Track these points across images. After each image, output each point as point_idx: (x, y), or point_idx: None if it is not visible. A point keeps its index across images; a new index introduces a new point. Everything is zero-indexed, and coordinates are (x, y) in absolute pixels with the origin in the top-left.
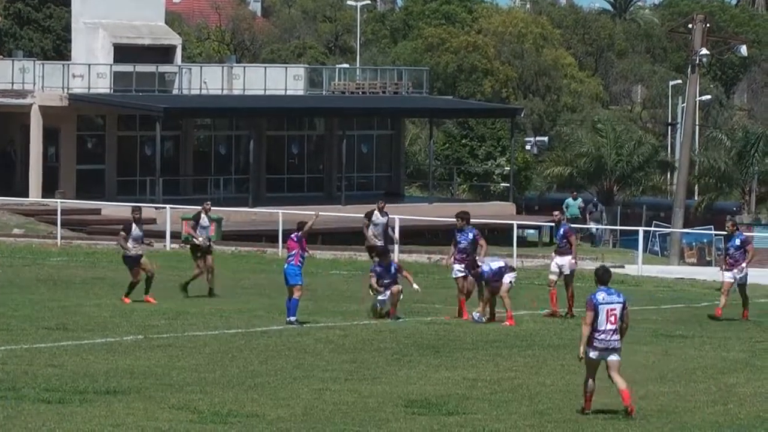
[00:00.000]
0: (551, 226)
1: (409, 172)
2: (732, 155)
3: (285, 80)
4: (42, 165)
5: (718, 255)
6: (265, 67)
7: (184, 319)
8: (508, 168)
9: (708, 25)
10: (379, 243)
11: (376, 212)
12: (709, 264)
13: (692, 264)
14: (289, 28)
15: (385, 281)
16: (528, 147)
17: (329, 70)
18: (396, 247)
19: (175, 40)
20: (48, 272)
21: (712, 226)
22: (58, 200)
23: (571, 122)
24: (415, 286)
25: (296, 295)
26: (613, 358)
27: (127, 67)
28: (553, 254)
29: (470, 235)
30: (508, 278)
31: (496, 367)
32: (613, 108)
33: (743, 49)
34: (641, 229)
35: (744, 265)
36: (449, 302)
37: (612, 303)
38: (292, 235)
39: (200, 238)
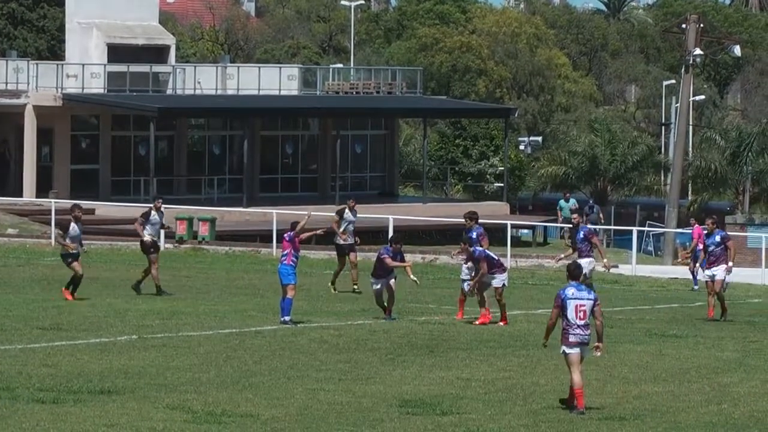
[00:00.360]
0: (545, 227)
1: (403, 172)
2: (726, 155)
3: (279, 80)
4: (36, 165)
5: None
6: (259, 67)
7: (178, 319)
8: (502, 168)
9: (702, 25)
10: (349, 242)
11: (347, 211)
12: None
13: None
14: (282, 28)
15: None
16: (522, 147)
17: (323, 70)
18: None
19: (168, 40)
20: (42, 272)
21: (707, 227)
22: (52, 200)
23: (565, 122)
24: (413, 277)
25: (289, 294)
26: (583, 353)
27: (121, 67)
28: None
29: (474, 234)
30: (500, 280)
31: (491, 367)
32: (606, 108)
33: (737, 50)
34: (635, 229)
35: (731, 264)
36: (443, 302)
37: (581, 299)
38: (285, 235)
39: (147, 236)
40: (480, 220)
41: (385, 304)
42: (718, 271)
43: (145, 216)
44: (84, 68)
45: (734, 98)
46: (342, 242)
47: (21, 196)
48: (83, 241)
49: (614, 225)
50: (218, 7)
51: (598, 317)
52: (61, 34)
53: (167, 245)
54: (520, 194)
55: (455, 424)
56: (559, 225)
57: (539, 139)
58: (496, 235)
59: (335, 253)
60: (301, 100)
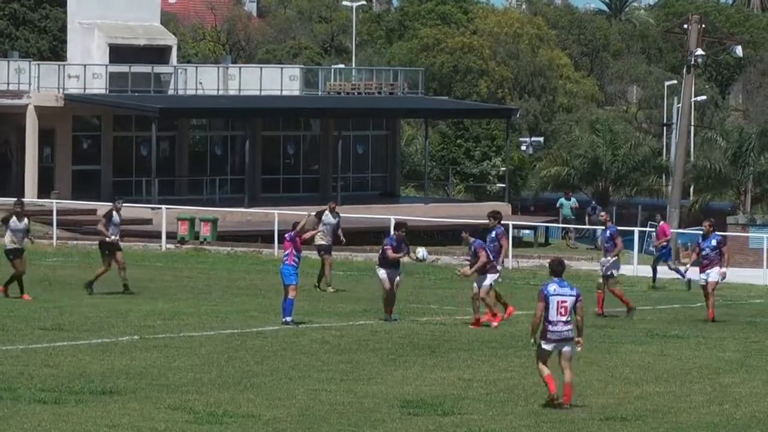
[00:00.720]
0: (546, 227)
1: (404, 172)
2: (727, 155)
3: (280, 81)
4: (37, 165)
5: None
6: (261, 68)
7: (179, 320)
8: (504, 168)
9: (703, 25)
10: (325, 241)
11: (327, 212)
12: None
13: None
14: (284, 29)
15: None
16: (523, 147)
17: (325, 71)
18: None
19: (170, 40)
20: (44, 272)
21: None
22: (54, 200)
23: (567, 122)
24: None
25: (290, 295)
26: (567, 348)
27: (122, 68)
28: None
29: (493, 234)
30: (489, 279)
31: (492, 368)
32: (608, 108)
33: (738, 50)
34: (636, 230)
35: (725, 269)
36: (444, 302)
37: (563, 295)
38: (286, 235)
39: (111, 237)
40: (482, 221)
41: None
42: (712, 273)
43: (108, 217)
44: (85, 69)
45: (736, 99)
46: (323, 242)
47: (22, 196)
48: (31, 237)
49: (616, 226)
50: (220, 7)
51: (579, 313)
52: (63, 34)
53: (169, 245)
54: (522, 194)
55: (457, 424)
56: (560, 226)
57: (541, 139)
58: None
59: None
60: (303, 100)
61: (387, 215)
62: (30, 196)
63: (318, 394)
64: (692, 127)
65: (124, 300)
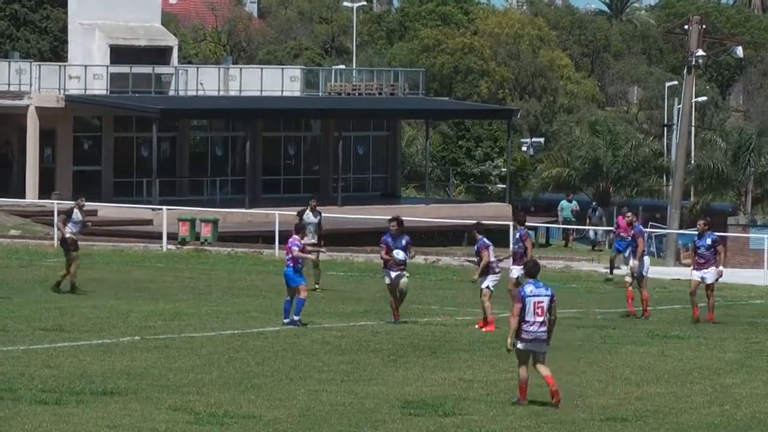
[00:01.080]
0: (547, 228)
1: (405, 173)
2: (727, 156)
3: (281, 81)
4: (38, 166)
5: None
6: (262, 69)
7: (180, 321)
8: (505, 169)
9: (704, 26)
10: (311, 241)
11: (308, 211)
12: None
13: (688, 265)
14: (285, 30)
15: (398, 257)
16: (524, 148)
17: (325, 72)
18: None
19: (171, 41)
20: (44, 273)
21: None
22: (55, 201)
23: (568, 123)
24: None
25: (302, 294)
26: (539, 350)
27: (123, 69)
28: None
29: (517, 235)
30: (488, 281)
31: (493, 368)
32: (609, 109)
33: (739, 50)
34: None
35: (721, 268)
36: (445, 303)
37: (540, 296)
38: (290, 240)
39: (68, 234)
40: (482, 222)
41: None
42: (708, 274)
43: (68, 214)
44: (86, 69)
45: (736, 99)
46: (305, 241)
47: (23, 197)
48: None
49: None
50: (221, 8)
51: (553, 313)
52: (64, 35)
53: (169, 246)
54: (522, 195)
55: (457, 425)
56: (560, 226)
57: (542, 140)
58: (498, 236)
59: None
60: (304, 101)
61: (388, 216)
62: (31, 197)
63: (319, 395)
64: (693, 128)
65: (124, 301)
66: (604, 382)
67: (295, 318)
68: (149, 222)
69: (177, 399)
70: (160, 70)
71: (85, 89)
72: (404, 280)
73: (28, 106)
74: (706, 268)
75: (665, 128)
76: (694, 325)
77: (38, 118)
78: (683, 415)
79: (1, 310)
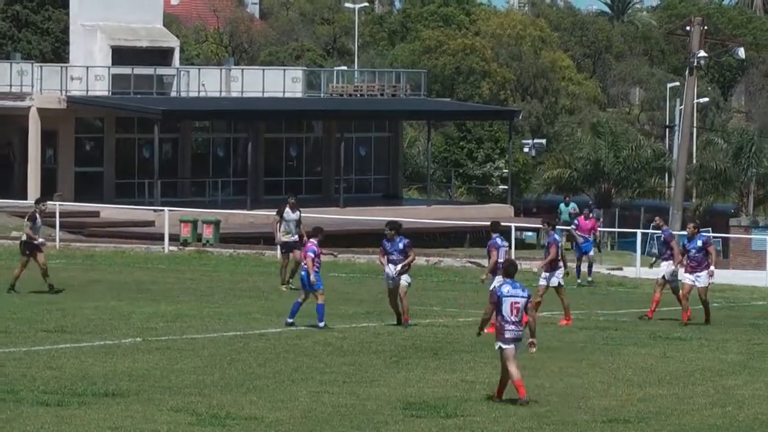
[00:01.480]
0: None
1: (407, 174)
2: (729, 157)
3: (283, 82)
4: (40, 167)
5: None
6: (263, 70)
7: (182, 322)
8: (507, 170)
9: (706, 27)
10: (292, 239)
11: (287, 209)
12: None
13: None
14: (287, 31)
15: (392, 257)
16: (526, 149)
17: (327, 73)
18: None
19: (173, 42)
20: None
21: (710, 229)
22: (57, 203)
23: (569, 124)
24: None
25: (320, 300)
26: (511, 347)
27: (125, 70)
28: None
29: (546, 242)
30: (497, 281)
31: (495, 370)
32: (610, 110)
33: (741, 52)
34: (639, 232)
35: (712, 268)
36: (447, 304)
37: (516, 296)
38: (307, 247)
39: (39, 239)
40: (484, 223)
41: (398, 307)
42: (701, 277)
43: (32, 219)
44: (88, 71)
45: (738, 100)
46: (287, 239)
47: (25, 198)
48: None
49: (618, 227)
50: (222, 9)
51: (530, 314)
52: (65, 36)
53: (171, 248)
54: (524, 196)
55: (459, 426)
56: (561, 228)
57: (543, 141)
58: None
59: (279, 251)
60: (305, 102)
61: (389, 217)
62: (32, 198)
63: (321, 397)
64: (694, 129)
65: (126, 302)
66: (606, 384)
67: (320, 325)
68: (151, 223)
69: (179, 400)
70: (162, 71)
71: (87, 90)
72: (403, 283)
73: (29, 107)
74: (699, 272)
75: (667, 129)
76: (682, 327)
77: (40, 119)
78: (685, 416)
79: (3, 312)
